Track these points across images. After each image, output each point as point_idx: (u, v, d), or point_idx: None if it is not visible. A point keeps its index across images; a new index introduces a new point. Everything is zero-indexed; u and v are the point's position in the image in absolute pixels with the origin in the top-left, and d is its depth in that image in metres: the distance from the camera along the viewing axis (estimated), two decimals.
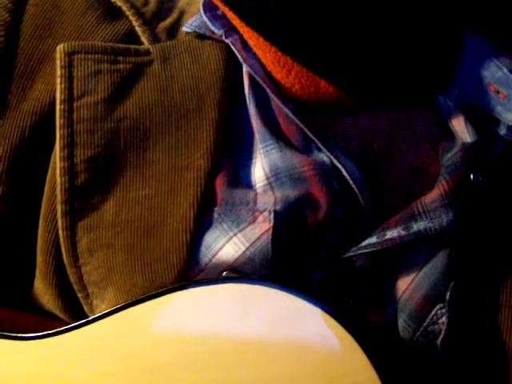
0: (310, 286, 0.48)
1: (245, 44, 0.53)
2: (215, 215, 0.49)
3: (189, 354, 0.45)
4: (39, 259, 0.51)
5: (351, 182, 0.49)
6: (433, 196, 0.48)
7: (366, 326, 0.48)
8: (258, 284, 0.45)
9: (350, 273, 0.48)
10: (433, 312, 0.47)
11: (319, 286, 0.48)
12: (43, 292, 0.52)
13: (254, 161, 0.51)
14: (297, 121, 0.50)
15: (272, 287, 0.44)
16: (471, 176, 0.48)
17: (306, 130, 0.50)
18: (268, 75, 0.52)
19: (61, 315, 0.52)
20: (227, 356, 0.45)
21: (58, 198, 0.49)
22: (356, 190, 0.48)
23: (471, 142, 0.49)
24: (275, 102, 0.51)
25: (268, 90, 0.51)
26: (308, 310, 0.44)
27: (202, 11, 0.54)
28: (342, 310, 0.48)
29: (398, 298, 0.48)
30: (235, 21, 0.53)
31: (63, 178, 0.49)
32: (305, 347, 0.44)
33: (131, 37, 0.54)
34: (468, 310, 0.48)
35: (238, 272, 0.47)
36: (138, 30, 0.54)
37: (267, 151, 0.50)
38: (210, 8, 0.54)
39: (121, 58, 0.52)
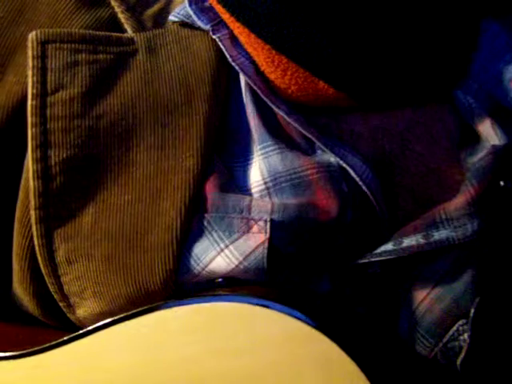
0: (317, 293, 0.46)
1: (234, 40, 0.49)
2: (205, 222, 0.45)
3: (170, 377, 0.44)
4: (15, 264, 0.49)
5: (361, 183, 0.45)
6: (458, 203, 0.45)
7: (376, 337, 0.46)
8: (248, 302, 0.43)
9: (362, 279, 0.46)
10: (454, 327, 0.45)
11: (327, 293, 0.46)
12: (21, 298, 0.50)
13: (250, 162, 0.48)
14: (293, 121, 0.46)
15: (262, 305, 0.43)
16: (501, 182, 0.45)
17: (304, 131, 0.46)
18: (260, 74, 0.48)
19: (42, 319, 0.50)
20: (213, 380, 0.43)
21: (32, 203, 0.46)
22: (366, 191, 0.45)
23: (502, 144, 0.46)
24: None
25: (259, 92, 0.47)
26: (304, 331, 0.42)
27: (186, 3, 0.50)
28: (352, 318, 0.46)
29: (414, 309, 0.45)
30: (225, 15, 0.49)
31: (37, 182, 0.46)
32: (298, 367, 0.42)
33: (114, 24, 0.50)
34: (493, 328, 0.45)
35: (233, 279, 0.45)
36: (121, 16, 0.51)
37: (266, 153, 0.47)
38: (196, 0, 0.51)
39: (101, 48, 0.48)
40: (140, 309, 0.44)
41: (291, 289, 0.45)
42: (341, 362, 0.41)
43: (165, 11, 0.52)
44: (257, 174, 0.47)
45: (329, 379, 0.42)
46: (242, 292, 0.44)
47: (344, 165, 0.46)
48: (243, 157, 0.48)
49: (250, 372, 0.43)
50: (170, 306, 0.44)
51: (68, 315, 0.48)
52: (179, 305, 0.44)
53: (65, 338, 0.46)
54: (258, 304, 0.42)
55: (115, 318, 0.45)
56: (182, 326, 0.44)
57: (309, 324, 0.42)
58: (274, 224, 0.44)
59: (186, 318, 0.44)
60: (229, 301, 0.43)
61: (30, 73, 0.47)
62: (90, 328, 0.45)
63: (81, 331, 0.46)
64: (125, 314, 0.45)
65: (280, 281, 0.45)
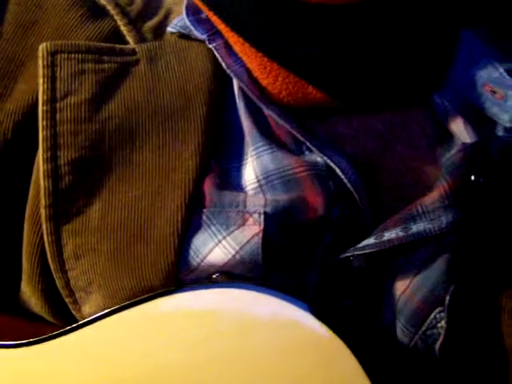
0: (306, 287, 0.47)
1: (229, 48, 0.52)
2: (204, 217, 0.47)
3: (175, 364, 0.45)
4: (25, 262, 0.50)
5: (346, 181, 0.48)
6: (433, 197, 0.47)
7: (362, 328, 0.47)
8: (247, 288, 0.44)
9: (347, 273, 0.47)
10: (431, 316, 0.47)
11: (315, 287, 0.47)
12: (29, 296, 0.51)
13: (244, 163, 0.50)
14: (284, 124, 0.49)
15: (260, 291, 0.44)
16: (472, 177, 0.47)
17: (295, 132, 0.49)
18: (253, 80, 0.51)
19: (49, 318, 0.51)
20: (214, 365, 0.44)
21: (42, 201, 0.48)
22: (352, 189, 0.48)
23: (471, 142, 0.48)
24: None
25: (252, 96, 0.50)
26: (298, 314, 0.43)
27: (184, 15, 0.53)
28: (339, 311, 0.47)
29: (396, 300, 0.47)
30: (220, 25, 0.52)
31: (47, 181, 0.48)
32: (294, 351, 0.43)
33: (116, 36, 0.53)
34: (468, 314, 0.47)
35: (229, 274, 0.47)
36: (123, 29, 0.53)
37: (258, 153, 0.49)
38: (193, 11, 0.53)
39: (105, 58, 0.51)
40: (141, 297, 0.45)
41: (283, 282, 0.47)
42: (333, 346, 0.43)
43: (163, 24, 0.55)
44: (250, 173, 0.49)
45: (320, 363, 0.43)
46: (238, 280, 0.45)
47: (331, 164, 0.48)
48: (238, 158, 0.50)
49: (245, 354, 0.44)
50: (170, 293, 0.45)
51: (74, 312, 0.49)
52: (179, 292, 0.45)
53: (68, 328, 0.47)
54: (253, 290, 0.44)
55: (117, 306, 0.46)
56: (182, 312, 0.45)
57: (303, 309, 0.43)
58: (267, 217, 0.46)
59: (186, 303, 0.45)
60: (226, 287, 0.44)
61: (40, 81, 0.49)
62: (93, 317, 0.46)
63: (84, 320, 0.47)
64: (126, 303, 0.45)
65: (274, 279, 0.47)
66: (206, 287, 0.45)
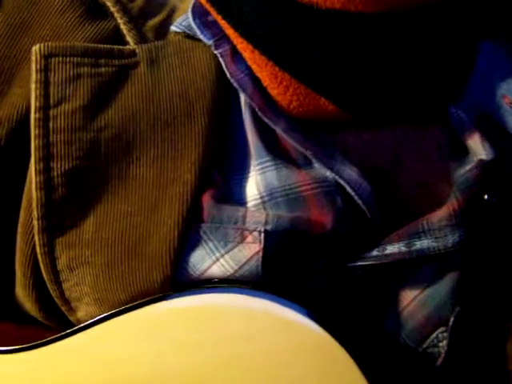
0: (307, 294, 0.46)
1: (235, 56, 0.49)
2: (201, 233, 0.46)
3: (170, 368, 0.45)
4: (18, 271, 0.49)
5: (356, 198, 0.46)
6: (441, 214, 0.45)
7: (362, 335, 0.47)
8: (246, 293, 0.44)
9: (350, 281, 0.46)
10: (434, 335, 0.45)
11: (316, 294, 0.46)
12: (24, 301, 0.51)
13: (247, 176, 0.48)
14: (290, 139, 0.47)
15: (260, 296, 0.43)
16: (485, 196, 0.45)
17: (301, 149, 0.47)
18: (259, 91, 0.49)
19: (45, 322, 0.51)
20: (208, 370, 0.44)
21: (34, 213, 0.47)
22: (362, 206, 0.46)
23: (488, 159, 0.46)
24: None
25: (256, 109, 0.47)
26: (297, 319, 0.43)
27: (190, 17, 0.51)
28: (340, 318, 0.46)
29: (399, 312, 0.46)
30: (229, 30, 0.50)
31: (39, 193, 0.46)
32: (291, 355, 0.43)
33: (116, 36, 0.51)
34: (472, 336, 0.46)
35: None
36: (123, 28, 0.51)
37: (262, 168, 0.47)
38: (199, 14, 0.51)
39: (102, 61, 0.48)
40: (137, 302, 0.45)
41: (285, 286, 0.46)
42: (334, 352, 0.42)
43: (166, 22, 0.52)
44: (253, 188, 0.47)
45: (317, 367, 0.43)
46: (238, 285, 0.45)
47: (340, 181, 0.46)
48: (240, 171, 0.48)
49: (246, 360, 0.43)
50: (169, 298, 0.44)
51: (70, 318, 0.48)
52: (178, 296, 0.44)
53: (65, 332, 0.47)
54: (254, 295, 0.43)
55: (113, 311, 0.45)
56: (180, 316, 0.44)
57: (303, 314, 0.43)
58: (267, 234, 0.45)
59: (185, 307, 0.44)
60: (226, 292, 0.44)
61: (33, 86, 0.47)
62: (91, 321, 0.46)
63: (81, 325, 0.46)
64: (125, 307, 0.45)
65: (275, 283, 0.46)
66: (205, 291, 0.44)
